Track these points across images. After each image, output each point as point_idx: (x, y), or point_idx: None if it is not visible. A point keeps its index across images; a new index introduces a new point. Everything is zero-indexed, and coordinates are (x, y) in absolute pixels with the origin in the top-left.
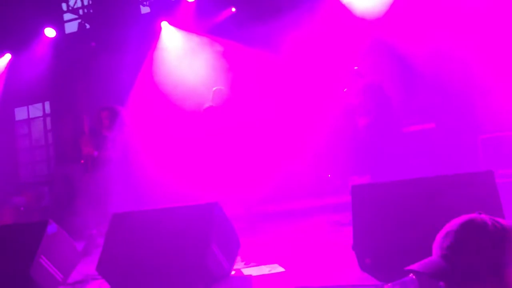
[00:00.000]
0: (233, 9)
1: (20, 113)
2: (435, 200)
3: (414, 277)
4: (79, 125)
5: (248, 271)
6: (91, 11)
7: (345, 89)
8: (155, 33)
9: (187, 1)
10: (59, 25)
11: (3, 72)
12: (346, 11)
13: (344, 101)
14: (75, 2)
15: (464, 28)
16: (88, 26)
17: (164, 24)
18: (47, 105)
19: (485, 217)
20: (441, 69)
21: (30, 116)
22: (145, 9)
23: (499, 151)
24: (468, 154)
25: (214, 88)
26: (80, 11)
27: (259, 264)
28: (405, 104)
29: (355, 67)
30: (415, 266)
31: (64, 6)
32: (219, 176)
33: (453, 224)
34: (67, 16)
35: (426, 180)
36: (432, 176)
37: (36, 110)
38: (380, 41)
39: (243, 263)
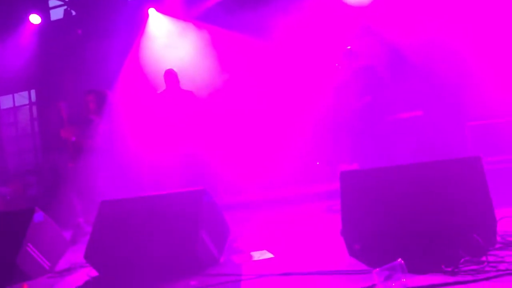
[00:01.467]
0: None
1: (6, 102)
2: (423, 186)
3: (402, 261)
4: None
5: (237, 257)
6: None
7: (337, 65)
8: (142, 20)
9: None
10: (44, 12)
11: None
12: None
13: (335, 78)
14: None
15: (453, 16)
16: (74, 12)
17: (151, 11)
18: (33, 93)
19: None
20: (429, 57)
21: (16, 105)
22: None
23: (487, 139)
24: (455, 142)
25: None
26: None
27: (248, 250)
28: (393, 91)
29: (348, 47)
30: None
31: None
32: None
33: None
34: (52, 3)
35: (414, 166)
36: (420, 162)
37: (22, 98)
38: (369, 28)
39: (232, 250)
